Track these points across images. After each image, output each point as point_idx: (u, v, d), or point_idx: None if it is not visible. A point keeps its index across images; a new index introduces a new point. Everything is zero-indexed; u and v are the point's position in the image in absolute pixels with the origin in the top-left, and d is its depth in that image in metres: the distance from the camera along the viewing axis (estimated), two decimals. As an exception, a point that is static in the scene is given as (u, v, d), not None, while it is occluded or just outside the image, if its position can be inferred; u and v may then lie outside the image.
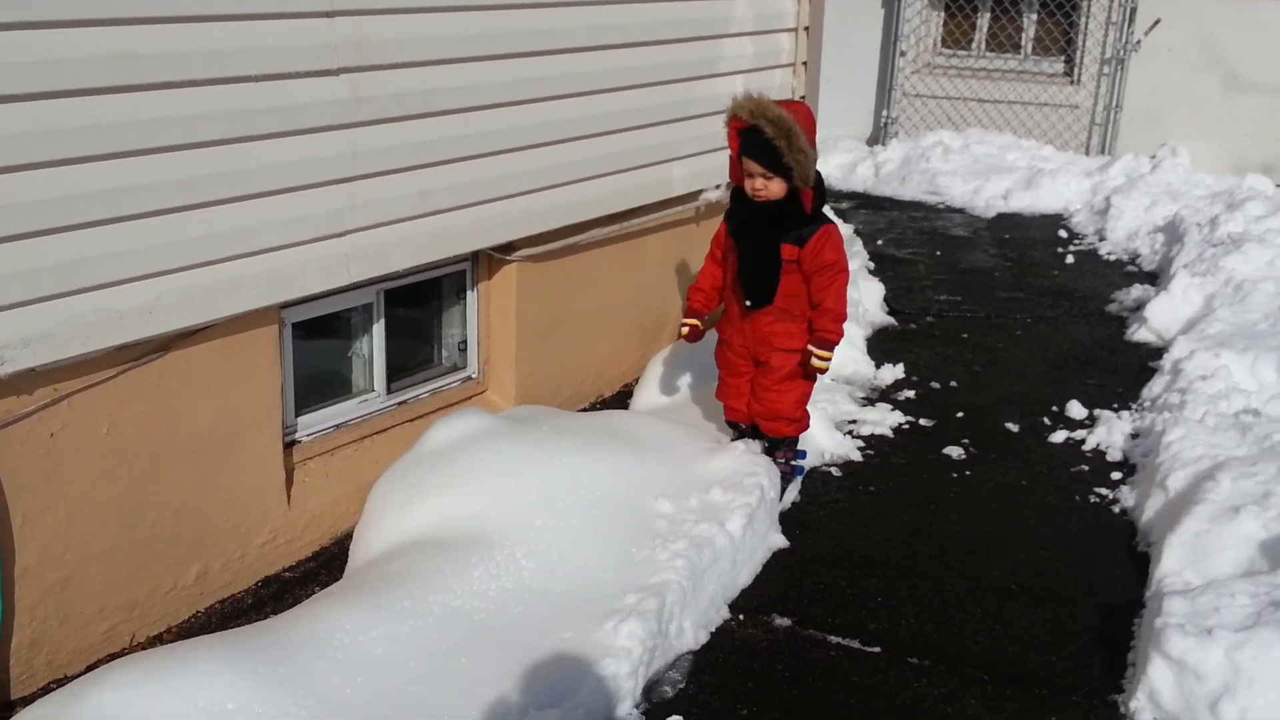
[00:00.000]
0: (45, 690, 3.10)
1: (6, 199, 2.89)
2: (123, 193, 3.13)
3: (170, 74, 3.18)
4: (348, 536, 3.82)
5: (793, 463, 4.41)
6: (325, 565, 3.87)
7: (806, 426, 4.37)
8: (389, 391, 4.34)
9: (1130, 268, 7.52)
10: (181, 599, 3.58)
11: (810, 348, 4.03)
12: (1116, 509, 4.39)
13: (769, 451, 4.28)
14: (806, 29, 5.95)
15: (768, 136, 3.77)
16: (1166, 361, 5.45)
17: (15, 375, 3.02)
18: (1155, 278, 7.10)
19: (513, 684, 3.02)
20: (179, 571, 3.56)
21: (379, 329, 4.25)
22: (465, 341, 4.67)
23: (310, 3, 3.53)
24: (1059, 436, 4.99)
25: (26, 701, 3.00)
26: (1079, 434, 4.99)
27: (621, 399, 5.18)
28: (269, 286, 3.57)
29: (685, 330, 4.24)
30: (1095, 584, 3.88)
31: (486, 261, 4.60)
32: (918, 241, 8.00)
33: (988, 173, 9.21)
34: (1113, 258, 7.75)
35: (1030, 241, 8.10)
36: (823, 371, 4.11)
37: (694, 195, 5.47)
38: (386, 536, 3.61)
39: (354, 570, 3.60)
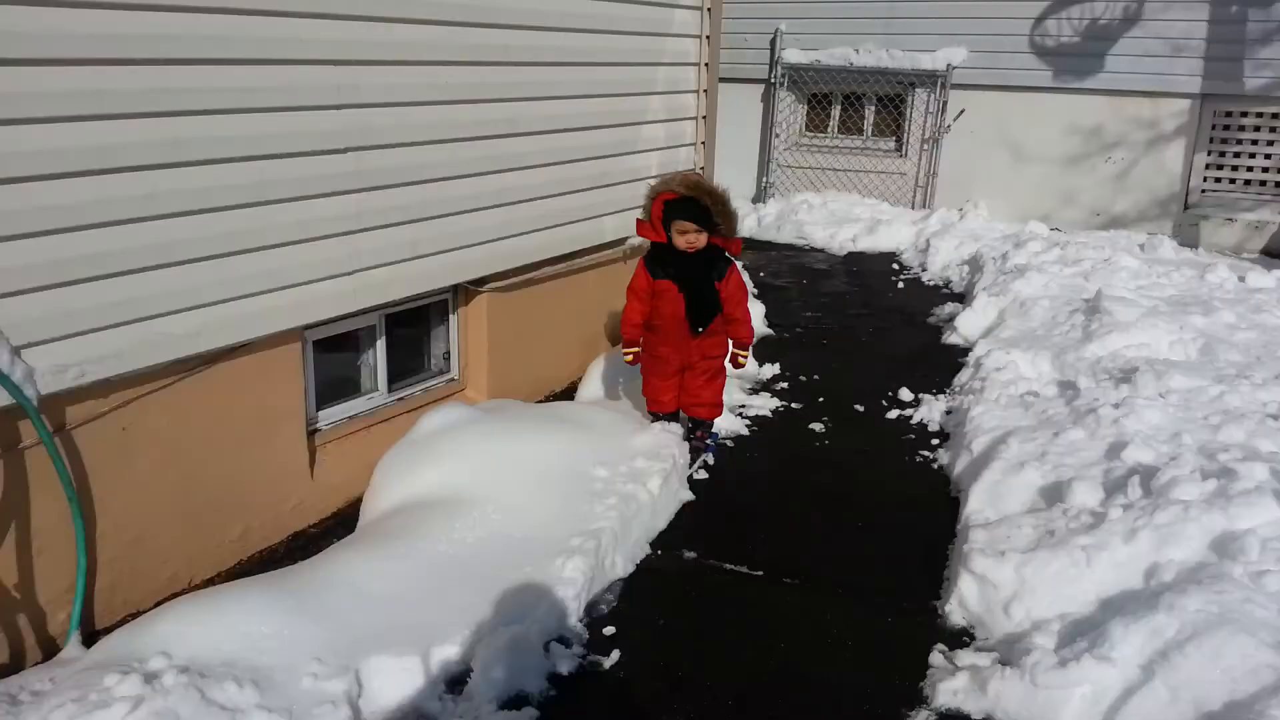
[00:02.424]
0: (122, 622, 3.00)
1: (83, 251, 2.81)
2: (174, 244, 3.05)
3: (213, 153, 3.11)
4: (359, 501, 3.74)
5: (706, 441, 4.39)
6: (342, 523, 3.78)
7: (721, 413, 4.39)
8: (390, 391, 4.26)
9: (945, 290, 7.58)
10: (227, 551, 3.48)
11: (736, 351, 4.21)
12: (935, 466, 4.41)
13: (693, 430, 4.31)
14: (704, 117, 5.97)
15: (706, 205, 3.83)
16: (971, 358, 5.48)
17: (93, 384, 2.94)
18: (963, 297, 7.15)
19: (487, 607, 2.98)
20: (226, 531, 3.46)
21: (381, 344, 4.17)
22: (449, 352, 4.60)
23: (322, 98, 3.47)
24: (893, 414, 5.01)
25: (108, 630, 2.91)
26: (908, 412, 5.02)
27: (569, 393, 5.14)
28: (293, 313, 3.49)
29: (630, 358, 4.19)
30: (919, 521, 3.89)
31: (464, 292, 4.54)
32: (790, 273, 8.03)
33: (841, 222, 9.25)
34: (932, 283, 7.81)
35: (872, 273, 8.15)
36: (744, 365, 4.29)
37: (621, 241, 5.45)
38: (388, 500, 3.55)
39: (363, 526, 3.53)
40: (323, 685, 2.58)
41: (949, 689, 2.80)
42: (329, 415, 3.97)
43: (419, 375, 4.49)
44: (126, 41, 2.83)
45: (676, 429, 4.22)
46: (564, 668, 2.90)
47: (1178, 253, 8.00)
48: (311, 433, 3.84)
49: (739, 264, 4.30)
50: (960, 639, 3.09)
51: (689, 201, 3.84)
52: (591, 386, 4.95)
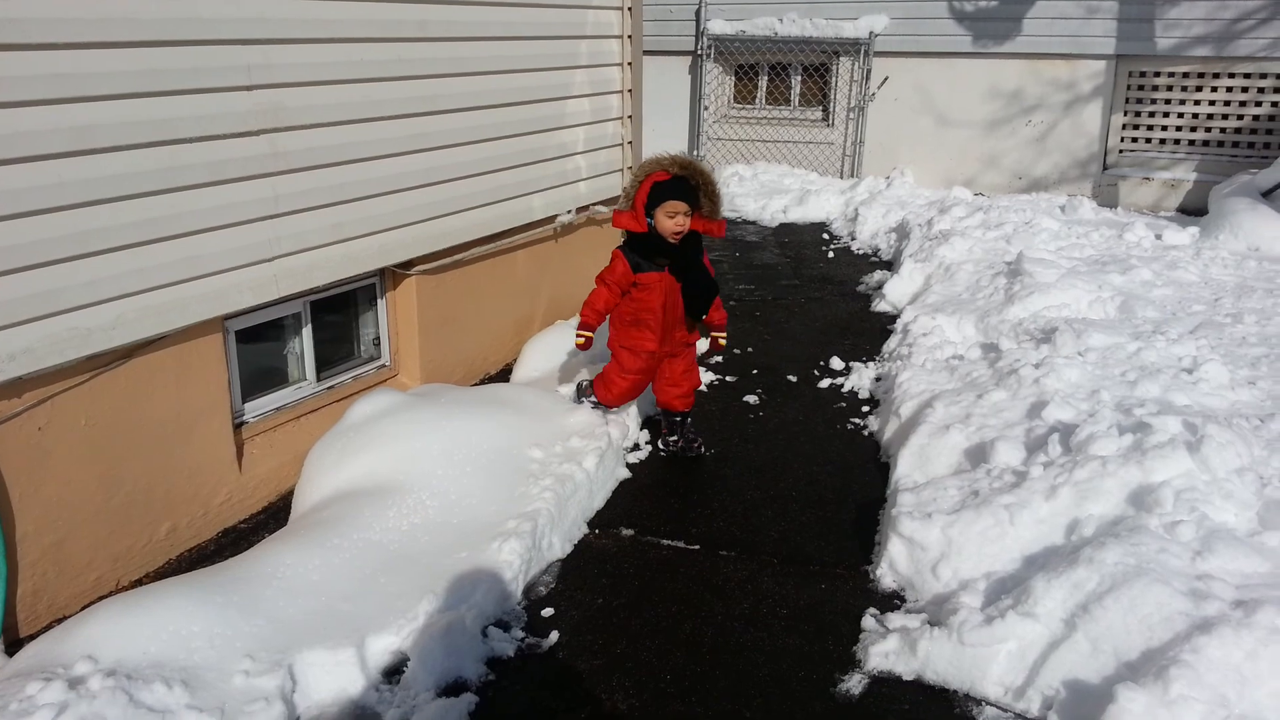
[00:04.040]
0: (48, 628, 2.92)
1: (-16, 243, 2.70)
2: (84, 235, 2.94)
3: (121, 139, 3.00)
4: (290, 493, 3.68)
5: (689, 421, 4.24)
6: (273, 516, 3.71)
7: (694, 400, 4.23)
8: (319, 379, 4.17)
9: (873, 258, 7.66)
10: (156, 550, 3.40)
11: (716, 334, 4.05)
12: (866, 433, 4.47)
13: (677, 426, 4.16)
14: (630, 91, 5.93)
15: (696, 184, 3.66)
16: (899, 324, 5.53)
17: (5, 383, 2.83)
18: (890, 265, 7.24)
19: (422, 595, 2.95)
20: (152, 530, 3.38)
21: (307, 331, 4.09)
22: (379, 337, 4.53)
23: (233, 79, 3.36)
24: (825, 383, 5.06)
25: (34, 638, 2.82)
26: (839, 380, 5.07)
27: (504, 374, 5.11)
28: (211, 303, 3.40)
29: (581, 340, 3.86)
30: (851, 488, 3.95)
31: (392, 275, 4.47)
32: (722, 246, 8.04)
33: (771, 194, 9.31)
34: (861, 252, 7.88)
35: (803, 243, 8.22)
36: (723, 346, 4.14)
37: (551, 219, 5.41)
38: (320, 491, 3.50)
39: (295, 519, 3.47)
40: (255, 682, 2.54)
41: (880, 651, 2.85)
42: (255, 407, 3.88)
43: (349, 362, 4.41)
44: (22, 26, 2.71)
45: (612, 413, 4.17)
46: (503, 651, 2.90)
47: (1097, 213, 8.21)
48: (238, 425, 3.75)
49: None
50: (891, 602, 3.15)
51: (680, 181, 3.66)
52: (526, 367, 4.92)
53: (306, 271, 3.78)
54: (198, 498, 3.53)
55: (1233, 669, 2.36)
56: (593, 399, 4.17)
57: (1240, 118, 8.87)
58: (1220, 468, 3.14)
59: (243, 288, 3.51)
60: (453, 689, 2.71)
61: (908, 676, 2.78)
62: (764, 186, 9.56)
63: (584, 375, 4.53)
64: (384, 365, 4.55)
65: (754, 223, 8.92)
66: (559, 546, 3.46)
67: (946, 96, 9.53)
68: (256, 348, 3.89)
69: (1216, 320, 5.14)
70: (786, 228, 8.72)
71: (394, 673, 2.73)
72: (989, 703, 2.67)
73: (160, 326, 3.23)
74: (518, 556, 3.19)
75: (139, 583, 3.28)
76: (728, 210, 9.09)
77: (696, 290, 3.83)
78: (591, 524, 3.67)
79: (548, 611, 3.11)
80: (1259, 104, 8.76)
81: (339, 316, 4.35)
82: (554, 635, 2.99)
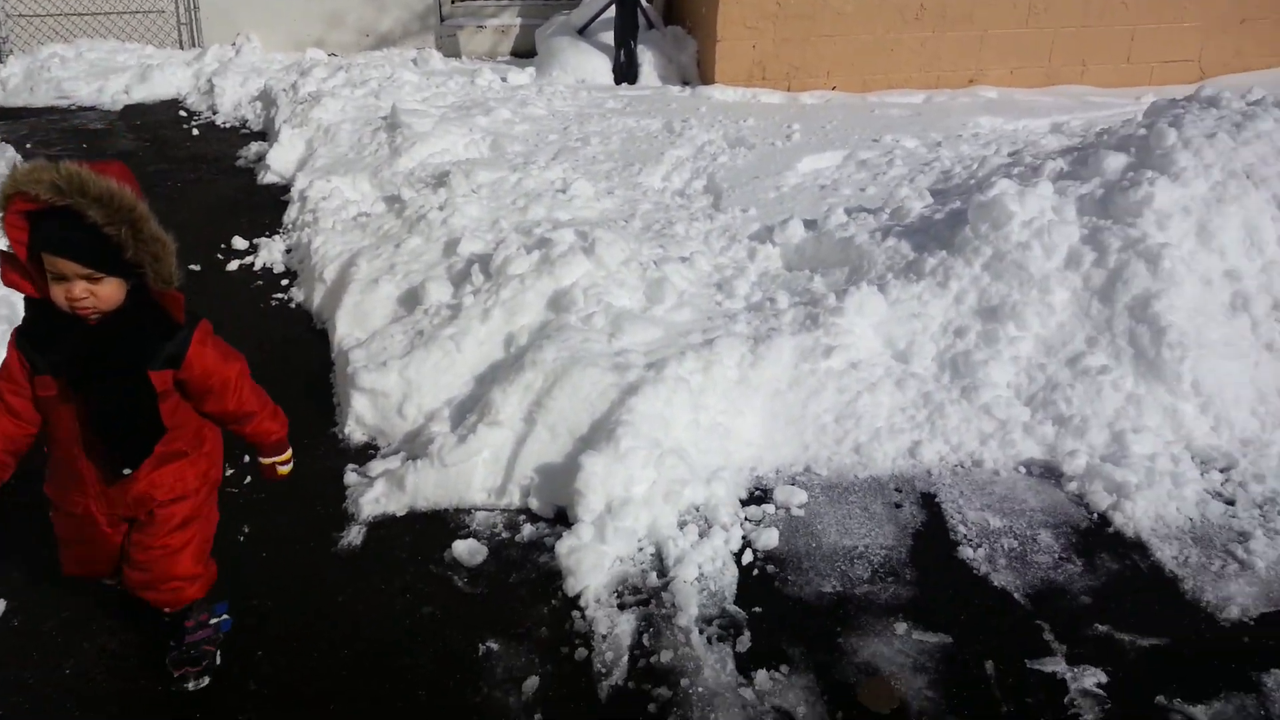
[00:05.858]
0: None
1: None
2: None
3: None
4: None
5: (212, 622, 2.43)
6: None
7: (214, 576, 2.41)
8: None
9: (244, 130, 7.15)
10: None
11: (266, 460, 2.41)
12: (293, 305, 4.32)
13: (177, 623, 2.38)
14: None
15: (93, 223, 1.96)
16: (294, 193, 5.32)
17: None
18: (265, 135, 6.83)
19: None
20: None
21: None
22: None
23: None
24: (234, 265, 4.73)
25: None
26: (248, 260, 4.78)
27: None
28: None
29: None
30: (295, 361, 3.82)
31: None
32: (63, 140, 6.84)
33: (106, 74, 8.08)
34: (228, 125, 7.30)
35: (160, 124, 7.32)
36: (285, 475, 2.44)
37: None
38: None
39: None
40: None
41: (370, 499, 2.92)
42: None
43: None
44: None
45: None
46: None
47: (446, 63, 8.62)
48: None
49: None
50: (367, 453, 3.20)
51: (63, 218, 1.97)
52: None
53: None
54: None
55: (657, 416, 2.87)
56: None
57: (546, -36, 9.79)
58: (611, 263, 3.66)
59: None
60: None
61: (401, 513, 2.90)
62: (94, 66, 8.28)
63: None
64: None
65: (94, 108, 7.72)
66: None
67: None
68: None
69: (570, 146, 5.82)
70: (135, 109, 7.70)
71: None
72: (477, 508, 2.91)
73: None
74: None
75: None
76: (56, 98, 7.79)
77: (110, 422, 2.13)
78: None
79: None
80: (558, -48, 9.74)
81: None
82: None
